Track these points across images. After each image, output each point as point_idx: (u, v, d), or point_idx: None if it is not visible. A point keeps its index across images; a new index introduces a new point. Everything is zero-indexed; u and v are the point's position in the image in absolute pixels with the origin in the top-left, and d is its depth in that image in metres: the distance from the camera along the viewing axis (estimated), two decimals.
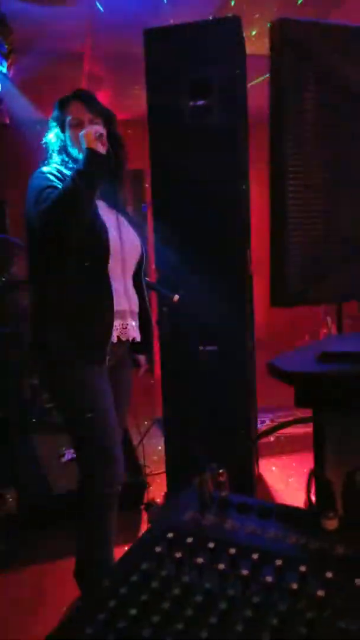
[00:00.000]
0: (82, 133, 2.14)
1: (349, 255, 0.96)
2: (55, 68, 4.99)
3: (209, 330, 3.21)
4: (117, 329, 2.22)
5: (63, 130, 2.25)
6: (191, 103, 3.13)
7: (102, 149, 2.13)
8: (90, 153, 2.09)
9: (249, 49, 3.38)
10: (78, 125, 2.21)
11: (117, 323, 2.21)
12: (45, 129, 2.29)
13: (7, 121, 4.44)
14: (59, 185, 2.10)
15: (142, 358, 2.57)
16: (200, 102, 3.12)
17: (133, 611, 0.70)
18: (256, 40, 3.49)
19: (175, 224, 3.20)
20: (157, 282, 3.16)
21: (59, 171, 2.18)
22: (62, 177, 2.16)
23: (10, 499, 3.40)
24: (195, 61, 3.11)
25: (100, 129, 2.16)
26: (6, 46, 3.12)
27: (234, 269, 3.21)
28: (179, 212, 3.20)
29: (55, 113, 2.27)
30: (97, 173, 2.11)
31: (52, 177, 2.14)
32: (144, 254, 2.41)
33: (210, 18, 3.53)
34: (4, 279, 3.82)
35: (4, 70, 3.22)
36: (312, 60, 0.88)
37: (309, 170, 0.90)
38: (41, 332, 2.17)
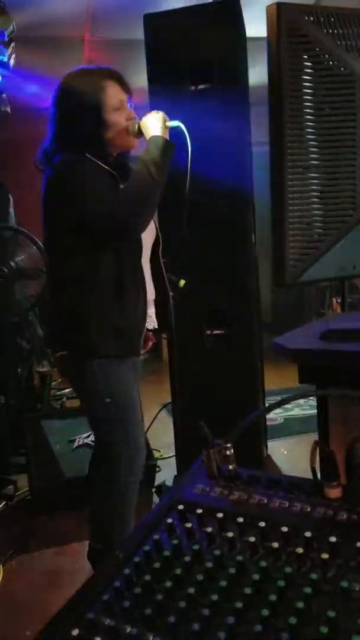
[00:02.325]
0: (150, 120, 2.06)
1: (346, 234, 0.99)
2: (55, 55, 4.98)
3: (216, 314, 3.23)
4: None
5: (99, 114, 2.05)
6: (192, 87, 3.13)
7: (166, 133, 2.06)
8: (168, 143, 2.04)
9: (249, 31, 3.36)
10: (121, 108, 2.09)
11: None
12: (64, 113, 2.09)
13: (9, 110, 4.44)
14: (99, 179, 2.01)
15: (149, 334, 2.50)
16: (201, 86, 3.12)
17: (147, 577, 0.74)
18: (256, 22, 3.46)
19: (178, 208, 3.21)
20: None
21: (95, 161, 2.07)
22: (104, 168, 2.07)
23: (23, 485, 3.45)
24: (195, 45, 3.10)
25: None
26: (6, 35, 3.12)
27: (240, 253, 3.23)
28: (182, 197, 3.20)
29: (86, 94, 2.05)
30: (170, 161, 2.05)
31: (97, 172, 2.04)
32: (158, 232, 2.34)
33: (210, 1, 3.52)
34: (10, 268, 3.84)
35: (5, 59, 3.23)
36: (307, 43, 0.90)
37: (307, 152, 0.93)
38: (72, 326, 2.10)
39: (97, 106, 2.04)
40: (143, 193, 2.00)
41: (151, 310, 2.30)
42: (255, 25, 3.47)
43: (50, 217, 2.12)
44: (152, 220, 2.26)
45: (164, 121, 2.08)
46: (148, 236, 2.26)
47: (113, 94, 2.08)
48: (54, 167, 2.07)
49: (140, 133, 2.12)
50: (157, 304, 2.35)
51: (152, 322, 2.30)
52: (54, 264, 2.22)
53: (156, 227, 2.33)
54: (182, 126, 2.10)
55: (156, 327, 2.35)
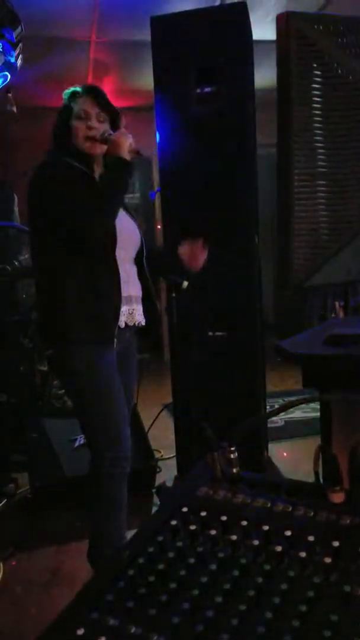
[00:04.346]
0: (120, 139, 2.21)
1: (351, 239, 1.00)
2: (61, 56, 4.99)
3: (219, 316, 3.24)
4: (124, 314, 2.28)
5: (69, 121, 2.27)
6: (198, 90, 3.15)
7: (130, 156, 2.23)
8: (126, 163, 2.20)
9: (255, 34, 3.37)
10: (84, 118, 2.27)
11: (124, 309, 2.27)
12: (53, 118, 2.33)
13: (15, 110, 4.46)
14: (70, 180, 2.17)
15: None
16: (207, 89, 3.14)
17: (151, 578, 0.75)
18: (262, 25, 3.47)
19: (183, 210, 3.23)
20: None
21: (69, 163, 2.24)
22: (77, 171, 2.23)
23: (23, 483, 3.46)
24: (201, 48, 3.11)
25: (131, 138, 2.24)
26: (14, 35, 3.13)
27: (243, 254, 3.24)
28: (187, 199, 3.22)
29: (64, 103, 2.31)
30: (129, 180, 2.24)
31: (70, 172, 2.21)
32: (142, 240, 2.48)
33: (217, 4, 3.53)
34: (13, 267, 3.86)
35: (12, 59, 3.24)
36: (316, 52, 0.90)
37: (314, 159, 0.94)
38: (51, 316, 2.22)
39: (66, 113, 2.28)
40: (99, 205, 2.15)
41: (135, 307, 2.38)
42: (261, 29, 3.50)
43: (30, 214, 2.29)
44: (133, 225, 2.46)
45: (130, 145, 2.24)
46: (131, 239, 2.40)
47: (81, 104, 2.28)
48: (35, 167, 2.25)
49: (103, 141, 2.28)
50: (145, 301, 2.45)
51: (134, 318, 2.37)
52: (34, 259, 2.36)
53: (138, 232, 2.47)
54: (142, 154, 2.32)
55: (142, 324, 2.43)
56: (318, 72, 0.93)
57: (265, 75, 3.71)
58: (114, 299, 2.23)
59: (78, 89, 2.32)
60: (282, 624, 0.65)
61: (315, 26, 0.91)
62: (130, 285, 2.36)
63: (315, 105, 0.94)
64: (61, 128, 2.28)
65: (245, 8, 3.11)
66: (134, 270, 2.42)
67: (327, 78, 0.93)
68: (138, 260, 2.46)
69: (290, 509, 0.84)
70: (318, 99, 0.93)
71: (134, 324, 2.38)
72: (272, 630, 0.64)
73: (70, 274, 2.17)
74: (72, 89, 2.33)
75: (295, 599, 0.68)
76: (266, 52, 3.36)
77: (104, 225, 2.16)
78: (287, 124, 0.90)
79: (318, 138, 0.94)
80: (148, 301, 2.47)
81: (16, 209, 4.31)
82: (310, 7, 4.48)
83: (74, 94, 2.30)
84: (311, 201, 0.97)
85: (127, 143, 2.22)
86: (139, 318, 2.40)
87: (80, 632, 0.68)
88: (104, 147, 2.28)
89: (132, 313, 2.36)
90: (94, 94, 2.31)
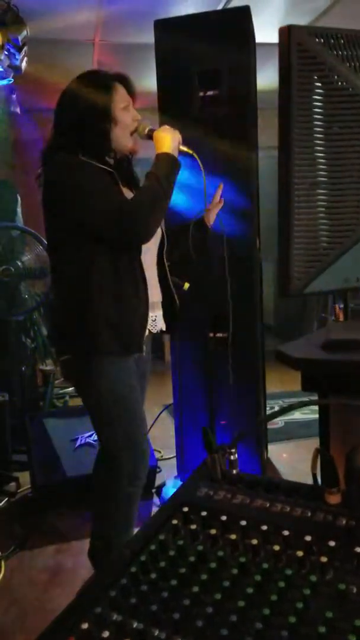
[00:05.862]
0: (167, 135, 2.11)
1: (350, 247, 1.02)
2: (65, 57, 5.02)
3: (219, 317, 3.26)
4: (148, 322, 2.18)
5: (109, 111, 2.09)
6: (201, 93, 3.16)
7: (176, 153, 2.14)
8: (179, 164, 2.12)
9: (258, 37, 3.39)
10: (127, 108, 2.13)
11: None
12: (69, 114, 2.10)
13: (18, 111, 4.50)
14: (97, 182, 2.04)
15: None
16: (210, 93, 3.15)
17: (153, 576, 0.77)
18: (265, 29, 3.49)
19: (185, 213, 3.24)
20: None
21: (90, 162, 2.07)
22: (101, 167, 2.09)
23: (25, 482, 3.48)
24: (204, 51, 3.13)
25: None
26: (20, 40, 3.16)
27: (244, 258, 3.25)
28: (188, 202, 3.24)
29: (95, 94, 2.07)
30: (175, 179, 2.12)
31: (96, 172, 2.06)
32: (165, 239, 2.36)
33: (220, 8, 3.54)
34: (17, 268, 3.88)
35: (17, 62, 3.27)
36: (317, 64, 0.93)
37: (314, 169, 0.96)
38: (73, 322, 2.09)
39: (107, 104, 2.08)
40: (153, 204, 2.03)
41: (157, 313, 2.29)
42: (264, 32, 3.52)
43: (50, 217, 2.14)
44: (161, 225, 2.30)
45: (179, 142, 2.15)
46: (153, 240, 2.28)
47: (121, 93, 2.13)
48: (50, 168, 2.09)
49: (149, 137, 2.16)
50: (164, 306, 2.35)
51: (157, 325, 2.28)
52: (54, 264, 2.23)
53: (162, 231, 2.34)
54: (196, 156, 2.20)
55: (163, 329, 2.35)
56: (319, 84, 0.96)
57: (267, 77, 3.75)
58: (142, 306, 2.11)
59: (113, 77, 2.15)
60: (279, 620, 0.67)
61: (317, 39, 0.93)
62: (153, 290, 2.22)
63: (316, 116, 0.96)
64: (103, 126, 2.07)
65: (249, 12, 3.13)
66: (155, 273, 2.30)
67: (328, 90, 0.96)
68: (159, 259, 2.34)
69: (288, 509, 0.87)
70: (319, 110, 0.96)
71: (157, 331, 2.29)
72: (269, 626, 0.67)
73: (96, 279, 2.03)
74: (100, 72, 2.18)
75: (292, 597, 0.70)
76: (269, 55, 3.39)
77: (159, 223, 2.06)
78: (288, 135, 0.92)
79: (318, 149, 0.97)
80: (169, 303, 2.36)
81: (19, 209, 4.33)
82: (313, 10, 4.51)
83: (106, 80, 2.13)
84: (311, 209, 1.00)
85: (175, 140, 2.10)
86: (161, 325, 2.31)
87: (85, 626, 0.71)
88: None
89: (155, 320, 2.25)
90: (126, 81, 2.18)
